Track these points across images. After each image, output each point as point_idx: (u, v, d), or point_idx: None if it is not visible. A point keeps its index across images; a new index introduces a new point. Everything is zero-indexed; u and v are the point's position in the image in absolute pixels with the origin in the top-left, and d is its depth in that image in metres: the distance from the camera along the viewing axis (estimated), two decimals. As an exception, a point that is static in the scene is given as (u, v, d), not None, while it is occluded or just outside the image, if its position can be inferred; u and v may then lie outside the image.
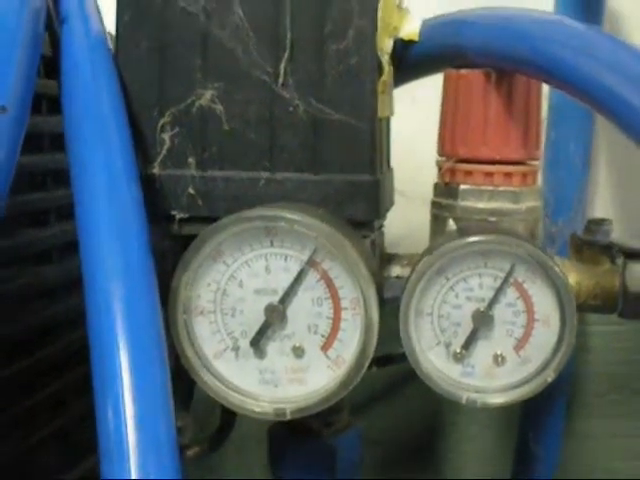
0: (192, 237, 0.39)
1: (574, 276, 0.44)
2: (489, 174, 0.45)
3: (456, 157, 0.46)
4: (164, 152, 0.42)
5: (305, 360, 0.40)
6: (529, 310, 0.40)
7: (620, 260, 0.43)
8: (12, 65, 0.34)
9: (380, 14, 0.41)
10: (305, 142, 0.41)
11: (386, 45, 0.43)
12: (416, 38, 0.46)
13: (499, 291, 0.40)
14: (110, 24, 0.42)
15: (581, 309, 0.43)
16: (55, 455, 0.48)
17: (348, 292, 0.39)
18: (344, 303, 0.39)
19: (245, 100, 0.41)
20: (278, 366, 0.40)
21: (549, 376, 0.40)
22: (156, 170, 0.42)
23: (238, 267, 0.39)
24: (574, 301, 0.40)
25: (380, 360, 0.53)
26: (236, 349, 0.40)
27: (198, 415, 0.45)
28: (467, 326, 0.41)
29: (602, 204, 0.70)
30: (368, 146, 0.41)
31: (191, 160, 0.42)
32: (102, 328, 0.33)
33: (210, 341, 0.40)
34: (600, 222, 0.46)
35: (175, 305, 0.39)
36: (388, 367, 0.58)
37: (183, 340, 0.39)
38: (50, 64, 0.40)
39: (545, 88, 0.47)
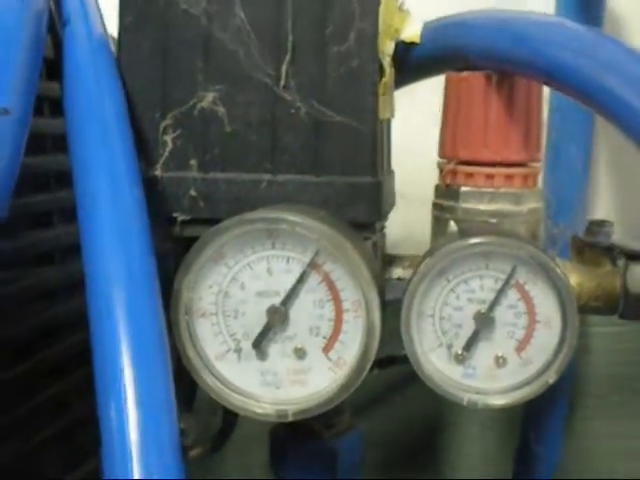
0: (194, 239, 0.39)
1: (575, 277, 0.44)
2: (490, 176, 0.45)
3: (457, 159, 0.46)
4: (166, 154, 0.42)
5: (307, 362, 0.40)
6: (530, 312, 0.40)
7: (621, 261, 0.43)
8: (15, 67, 0.34)
9: (381, 16, 0.41)
10: (306, 144, 0.41)
11: (387, 47, 0.43)
12: (417, 40, 0.46)
13: (500, 293, 0.40)
14: (112, 26, 0.42)
15: (582, 310, 0.43)
16: (57, 456, 0.48)
17: (350, 294, 0.39)
18: (346, 305, 0.39)
19: (247, 102, 0.41)
20: (280, 368, 0.40)
21: (550, 377, 0.40)
22: (158, 172, 0.42)
23: (240, 269, 0.39)
24: (575, 302, 0.40)
25: (382, 362, 0.53)
26: (238, 351, 0.40)
27: (201, 416, 0.45)
28: (468, 328, 0.41)
29: (603, 206, 0.71)
30: (369, 148, 0.41)
31: (193, 162, 0.42)
32: (104, 329, 0.33)
33: (212, 343, 0.40)
34: (601, 224, 0.46)
35: (177, 307, 0.39)
36: (389, 368, 0.58)
37: (185, 341, 0.39)
38: (52, 66, 0.40)
39: (546, 90, 0.47)
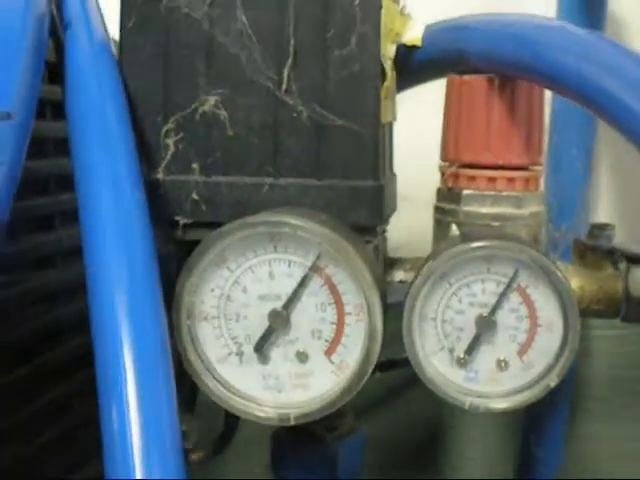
0: (196, 242, 0.39)
1: (577, 281, 0.44)
2: (492, 179, 0.45)
3: (459, 162, 0.46)
4: (168, 158, 0.42)
5: (309, 365, 0.40)
6: (532, 315, 0.40)
7: (623, 265, 0.43)
8: (17, 72, 0.34)
9: (383, 20, 0.41)
10: (308, 148, 0.41)
11: (389, 51, 0.43)
12: (419, 44, 0.46)
13: (502, 296, 0.40)
14: (114, 30, 0.42)
15: (584, 314, 0.43)
16: (59, 459, 0.48)
17: (352, 298, 0.39)
18: (348, 309, 0.39)
19: (249, 106, 0.41)
20: (282, 371, 0.40)
21: (552, 381, 0.40)
22: (160, 175, 0.42)
23: (242, 273, 0.39)
24: (577, 306, 0.40)
25: (383, 365, 0.53)
26: (240, 354, 0.40)
27: (203, 420, 0.45)
28: (470, 331, 0.41)
29: (605, 209, 0.71)
30: (371, 151, 0.41)
31: (195, 166, 0.42)
32: (106, 332, 0.33)
33: (214, 346, 0.40)
34: (603, 227, 0.46)
35: (179, 310, 0.39)
36: (391, 371, 0.58)
37: (187, 345, 0.39)
38: (54, 70, 0.41)
39: (547, 93, 0.47)
